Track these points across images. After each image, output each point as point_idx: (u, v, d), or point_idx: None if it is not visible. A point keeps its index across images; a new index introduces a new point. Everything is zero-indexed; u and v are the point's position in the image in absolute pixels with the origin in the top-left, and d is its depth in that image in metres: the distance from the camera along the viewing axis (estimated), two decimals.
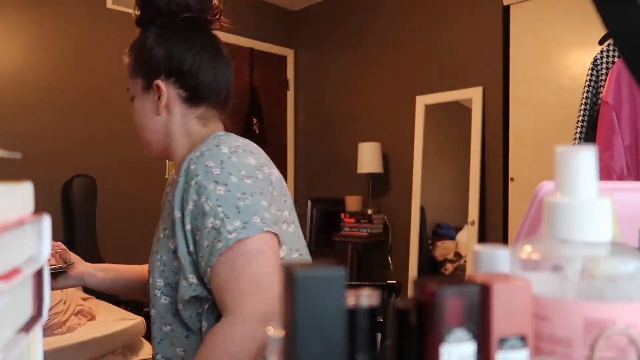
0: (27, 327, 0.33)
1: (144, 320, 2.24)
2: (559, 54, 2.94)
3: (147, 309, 0.97)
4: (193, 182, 0.84)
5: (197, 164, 0.85)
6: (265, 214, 0.82)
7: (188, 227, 0.84)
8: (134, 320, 2.25)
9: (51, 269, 0.88)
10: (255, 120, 4.14)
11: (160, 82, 0.97)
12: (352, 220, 3.82)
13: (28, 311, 0.34)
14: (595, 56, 2.02)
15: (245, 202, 0.81)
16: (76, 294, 2.38)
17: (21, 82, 3.12)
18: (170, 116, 0.98)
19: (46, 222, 0.34)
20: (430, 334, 0.28)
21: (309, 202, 4.22)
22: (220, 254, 0.78)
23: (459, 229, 3.44)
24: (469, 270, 3.26)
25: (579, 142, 1.99)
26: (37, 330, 0.34)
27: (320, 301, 0.27)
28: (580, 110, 2.01)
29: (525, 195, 2.76)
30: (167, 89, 0.97)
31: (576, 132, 2.01)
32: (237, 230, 0.78)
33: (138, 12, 0.99)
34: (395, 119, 3.83)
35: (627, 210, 0.52)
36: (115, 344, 2.11)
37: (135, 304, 2.97)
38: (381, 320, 1.15)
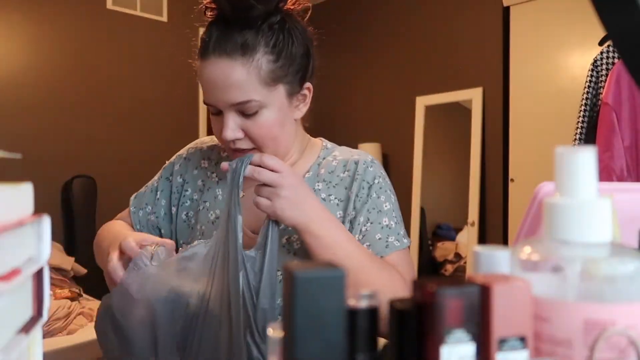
0: (27, 327, 0.33)
1: None
2: (559, 55, 2.94)
3: None
4: (375, 182, 0.93)
5: (373, 168, 0.95)
6: None
7: (352, 214, 0.91)
8: None
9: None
10: None
11: (310, 85, 0.91)
12: None
13: (28, 312, 0.34)
14: (595, 57, 2.02)
15: (400, 214, 0.96)
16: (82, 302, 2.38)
17: (21, 82, 3.13)
18: (290, 135, 0.92)
19: (46, 222, 0.34)
20: (430, 334, 0.28)
21: None
22: (397, 250, 0.91)
23: (459, 229, 3.44)
24: (469, 271, 3.26)
25: (579, 143, 1.99)
26: (37, 331, 0.34)
27: (320, 302, 0.27)
28: (580, 111, 2.01)
29: (525, 196, 2.76)
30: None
31: (576, 133, 2.01)
32: (405, 236, 0.94)
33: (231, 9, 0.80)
34: (395, 120, 3.84)
35: (627, 211, 0.52)
36: None
37: None
38: None
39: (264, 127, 0.84)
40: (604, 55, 1.99)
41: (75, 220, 3.19)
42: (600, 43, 2.01)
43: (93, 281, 2.92)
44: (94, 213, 3.26)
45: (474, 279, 0.30)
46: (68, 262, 2.62)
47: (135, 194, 1.08)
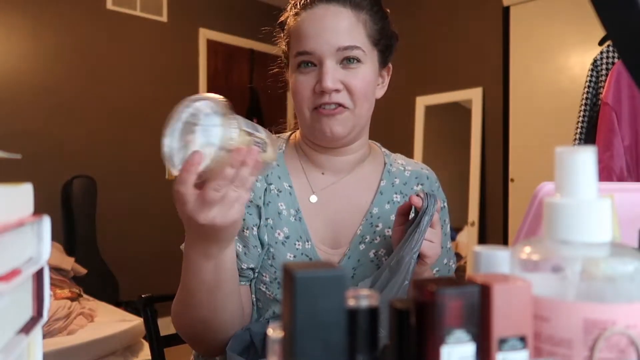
0: (27, 328, 0.33)
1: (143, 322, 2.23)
2: (559, 55, 2.94)
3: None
4: (445, 204, 0.94)
5: (439, 188, 0.99)
6: None
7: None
8: (133, 321, 2.24)
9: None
10: (255, 120, 4.14)
11: (390, 67, 0.95)
12: None
13: (28, 312, 0.34)
14: (595, 57, 2.02)
15: None
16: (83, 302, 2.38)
17: (21, 82, 3.12)
18: (372, 109, 0.91)
19: (46, 223, 0.34)
20: (430, 334, 0.28)
21: None
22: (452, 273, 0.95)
23: (459, 229, 3.44)
24: (469, 271, 3.25)
25: (579, 143, 1.99)
26: (37, 331, 0.34)
27: (321, 302, 0.27)
28: (580, 111, 2.01)
29: (525, 196, 2.76)
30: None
31: (576, 133, 2.01)
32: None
33: None
34: (395, 120, 3.83)
35: (627, 211, 0.52)
36: (116, 345, 2.11)
37: (135, 305, 2.97)
38: None
39: (364, 81, 0.85)
40: (604, 55, 1.99)
41: (75, 220, 3.18)
42: (600, 43, 2.00)
43: (93, 281, 2.93)
44: (94, 213, 3.25)
45: (474, 279, 0.30)
46: (68, 262, 2.62)
47: None
